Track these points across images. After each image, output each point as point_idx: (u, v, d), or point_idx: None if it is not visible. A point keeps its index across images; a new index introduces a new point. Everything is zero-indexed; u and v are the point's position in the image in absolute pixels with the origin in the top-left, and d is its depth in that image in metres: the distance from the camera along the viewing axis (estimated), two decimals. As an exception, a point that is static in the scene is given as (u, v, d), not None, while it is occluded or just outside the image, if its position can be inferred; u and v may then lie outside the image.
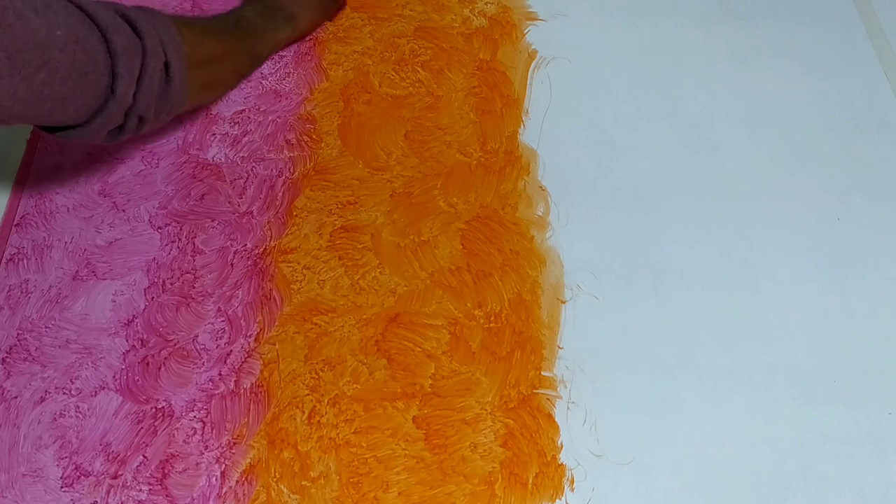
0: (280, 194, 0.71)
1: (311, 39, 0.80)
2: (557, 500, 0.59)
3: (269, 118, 0.75)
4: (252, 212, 0.70)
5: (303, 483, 0.59)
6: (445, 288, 0.67)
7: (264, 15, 0.69)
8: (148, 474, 0.58)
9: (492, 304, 0.67)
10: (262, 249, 0.68)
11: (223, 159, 0.72)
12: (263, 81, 0.77)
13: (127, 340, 0.63)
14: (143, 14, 0.53)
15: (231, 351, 0.63)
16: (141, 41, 0.52)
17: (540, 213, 0.71)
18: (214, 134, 0.74)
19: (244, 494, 0.58)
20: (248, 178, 0.71)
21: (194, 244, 0.68)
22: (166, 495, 0.58)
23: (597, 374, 0.64)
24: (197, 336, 0.64)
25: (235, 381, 0.62)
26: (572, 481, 0.60)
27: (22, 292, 0.65)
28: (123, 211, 0.69)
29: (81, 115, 0.51)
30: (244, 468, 0.59)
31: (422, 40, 0.81)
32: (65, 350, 0.63)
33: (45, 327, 0.63)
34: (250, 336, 0.64)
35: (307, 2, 0.75)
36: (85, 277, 0.66)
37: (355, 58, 0.80)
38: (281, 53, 0.79)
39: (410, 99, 0.77)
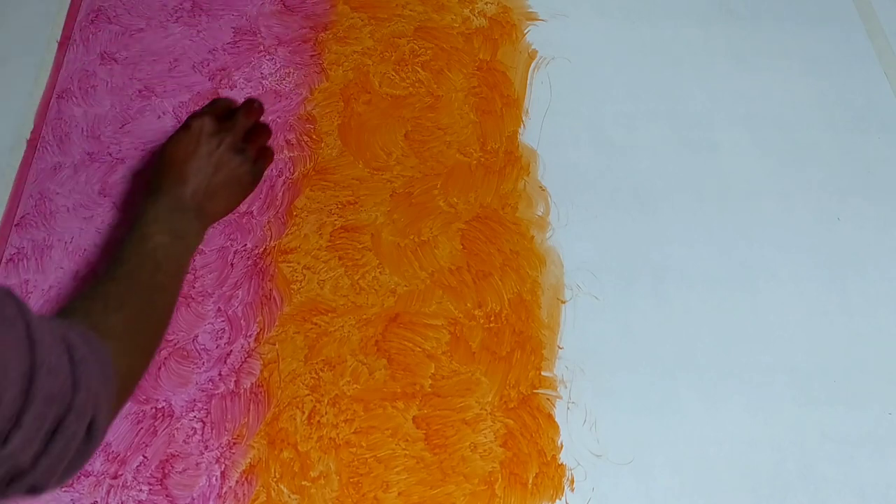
0: (280, 194, 0.71)
1: (311, 39, 0.80)
2: (557, 500, 0.59)
3: (269, 118, 0.75)
4: (252, 212, 0.70)
5: (303, 483, 0.59)
6: (445, 288, 0.67)
7: (178, 234, 0.58)
8: (148, 474, 0.58)
9: (492, 304, 0.67)
10: (262, 249, 0.68)
11: (223, 159, 0.72)
12: (263, 81, 0.77)
13: (127, 340, 0.63)
14: (92, 358, 0.43)
15: (231, 351, 0.63)
16: (72, 395, 0.41)
17: (540, 213, 0.71)
18: (214, 134, 0.73)
19: (244, 494, 0.58)
20: (248, 178, 0.71)
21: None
22: (166, 495, 0.58)
23: (597, 374, 0.64)
24: (197, 336, 0.64)
25: (235, 381, 0.62)
26: (572, 481, 0.60)
27: (22, 292, 0.65)
28: (123, 211, 0.69)
29: None
30: (244, 468, 0.59)
31: (422, 40, 0.81)
32: (65, 350, 0.62)
33: (45, 327, 0.63)
34: (250, 336, 0.64)
35: (217, 189, 0.61)
36: (85, 278, 0.66)
37: (355, 58, 0.80)
38: (280, 55, 0.79)
39: (410, 99, 0.77)
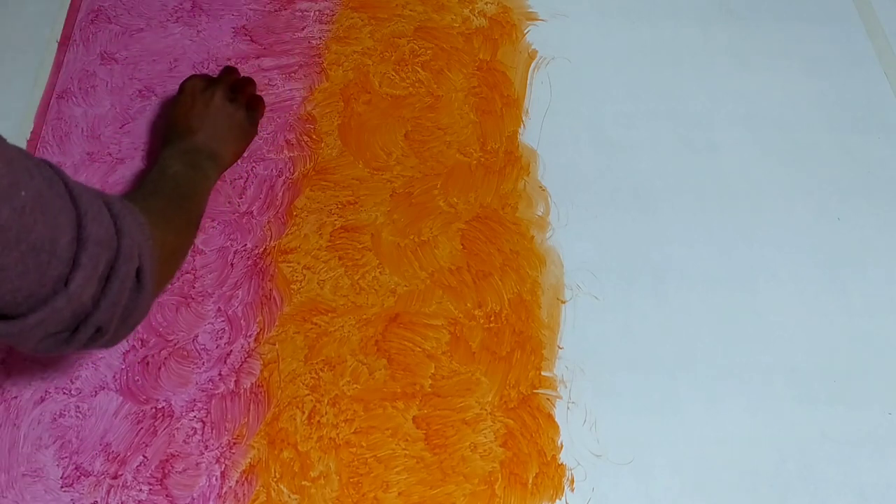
0: (280, 194, 0.71)
1: (311, 39, 0.80)
2: (557, 500, 0.59)
3: (270, 118, 0.75)
4: (252, 212, 0.70)
5: (303, 483, 0.59)
6: (445, 288, 0.67)
7: (193, 165, 0.64)
8: (148, 474, 0.58)
9: (492, 304, 0.67)
10: (262, 249, 0.68)
11: (223, 159, 0.72)
12: (263, 82, 0.77)
13: (127, 340, 0.63)
14: (127, 211, 0.46)
15: (231, 351, 0.63)
16: (118, 240, 0.45)
17: (540, 213, 0.71)
18: (214, 134, 0.73)
19: (244, 494, 0.58)
20: (248, 178, 0.71)
21: (194, 244, 0.68)
22: (166, 495, 0.58)
23: (597, 374, 0.64)
24: (197, 336, 0.64)
25: (235, 381, 0.62)
26: (572, 481, 0.60)
27: (22, 292, 0.65)
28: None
29: (17, 300, 0.41)
30: (244, 468, 0.59)
31: (422, 40, 0.81)
32: (65, 350, 0.62)
33: (45, 327, 0.63)
34: (250, 336, 0.64)
35: (222, 134, 0.68)
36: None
37: (355, 58, 0.80)
38: (280, 55, 0.79)
39: (410, 99, 0.77)
